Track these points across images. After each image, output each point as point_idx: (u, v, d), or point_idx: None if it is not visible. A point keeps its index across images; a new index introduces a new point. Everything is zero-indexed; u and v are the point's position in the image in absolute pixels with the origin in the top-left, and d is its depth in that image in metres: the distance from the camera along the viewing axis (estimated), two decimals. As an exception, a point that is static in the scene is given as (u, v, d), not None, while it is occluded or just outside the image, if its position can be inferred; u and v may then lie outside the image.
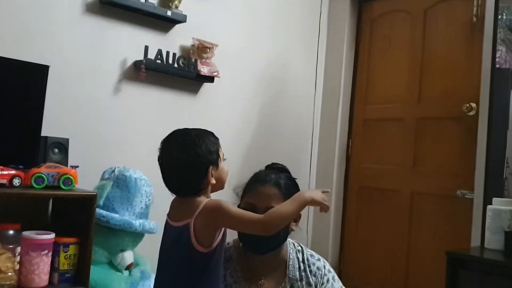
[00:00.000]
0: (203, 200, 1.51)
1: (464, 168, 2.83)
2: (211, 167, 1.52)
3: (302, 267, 1.74)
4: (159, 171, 1.57)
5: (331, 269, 1.81)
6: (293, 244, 1.80)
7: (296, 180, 1.80)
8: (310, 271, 1.74)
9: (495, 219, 2.24)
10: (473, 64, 2.84)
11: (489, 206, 2.31)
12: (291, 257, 1.75)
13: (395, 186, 3.20)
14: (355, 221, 3.43)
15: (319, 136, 3.57)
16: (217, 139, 1.59)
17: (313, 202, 1.58)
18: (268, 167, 1.84)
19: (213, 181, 1.54)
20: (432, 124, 3.06)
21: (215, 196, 1.60)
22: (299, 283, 1.71)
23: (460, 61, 2.96)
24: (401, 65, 3.27)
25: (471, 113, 2.81)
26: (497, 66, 2.64)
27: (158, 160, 1.57)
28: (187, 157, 1.50)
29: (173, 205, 1.60)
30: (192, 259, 1.47)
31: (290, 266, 1.73)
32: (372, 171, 3.36)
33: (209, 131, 1.60)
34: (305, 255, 1.78)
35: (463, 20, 2.96)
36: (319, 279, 1.74)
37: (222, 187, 1.61)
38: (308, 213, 3.43)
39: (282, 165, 1.84)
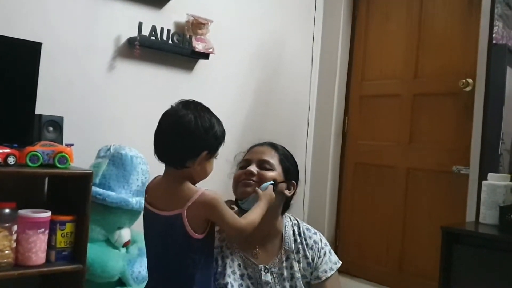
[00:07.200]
0: (195, 190, 1.46)
1: (460, 144, 2.84)
2: (206, 152, 1.46)
3: (298, 240, 1.75)
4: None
5: (327, 243, 1.83)
6: (289, 218, 1.81)
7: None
8: (307, 245, 1.75)
9: (490, 194, 2.25)
10: (470, 40, 2.83)
11: (484, 182, 2.32)
12: (287, 229, 1.76)
13: (391, 162, 3.21)
14: (351, 197, 3.45)
15: (316, 113, 3.56)
16: (224, 136, 1.52)
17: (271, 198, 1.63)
18: None
19: (198, 167, 1.47)
20: (428, 100, 3.05)
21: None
22: (295, 255, 1.72)
23: (457, 37, 2.94)
24: (398, 41, 3.25)
25: (468, 89, 2.80)
26: (494, 41, 2.63)
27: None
28: (195, 124, 1.43)
29: (155, 191, 1.54)
30: (191, 246, 1.45)
31: (286, 238, 1.74)
32: (369, 147, 3.36)
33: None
34: (301, 229, 1.79)
35: (460, -5, 2.93)
36: (316, 252, 1.75)
37: (197, 181, 1.53)
38: (305, 189, 3.45)
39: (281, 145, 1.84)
